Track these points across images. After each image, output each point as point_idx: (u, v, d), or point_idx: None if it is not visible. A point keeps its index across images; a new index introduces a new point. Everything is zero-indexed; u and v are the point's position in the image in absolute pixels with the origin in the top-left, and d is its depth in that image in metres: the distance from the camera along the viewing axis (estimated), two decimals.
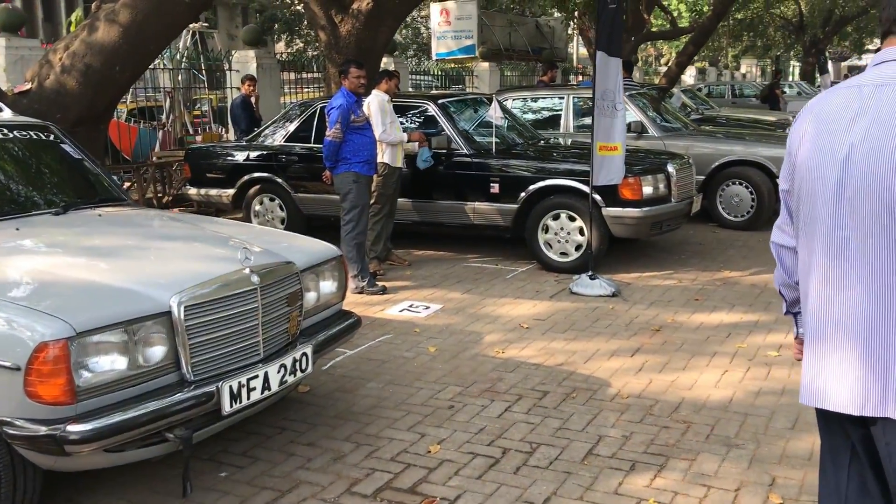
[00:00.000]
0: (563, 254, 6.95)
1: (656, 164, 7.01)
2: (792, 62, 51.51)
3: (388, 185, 7.02)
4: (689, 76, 32.48)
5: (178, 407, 2.93)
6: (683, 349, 4.97)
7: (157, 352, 2.96)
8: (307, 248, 3.90)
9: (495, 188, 7.12)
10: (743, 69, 42.46)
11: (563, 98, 9.51)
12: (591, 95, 9.69)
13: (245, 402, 3.18)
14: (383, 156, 6.93)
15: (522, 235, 7.14)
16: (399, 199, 7.33)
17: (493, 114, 7.19)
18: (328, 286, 3.86)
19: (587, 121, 9.36)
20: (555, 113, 9.61)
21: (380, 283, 6.53)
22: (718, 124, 11.40)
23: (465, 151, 7.27)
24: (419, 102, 7.77)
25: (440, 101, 7.64)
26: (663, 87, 12.26)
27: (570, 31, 25.06)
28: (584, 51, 25.08)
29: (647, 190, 6.75)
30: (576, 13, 20.36)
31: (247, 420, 3.66)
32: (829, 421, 1.98)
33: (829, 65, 27.99)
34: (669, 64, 22.10)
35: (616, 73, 6.44)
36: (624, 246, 7.46)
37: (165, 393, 2.95)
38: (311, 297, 3.72)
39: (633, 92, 9.37)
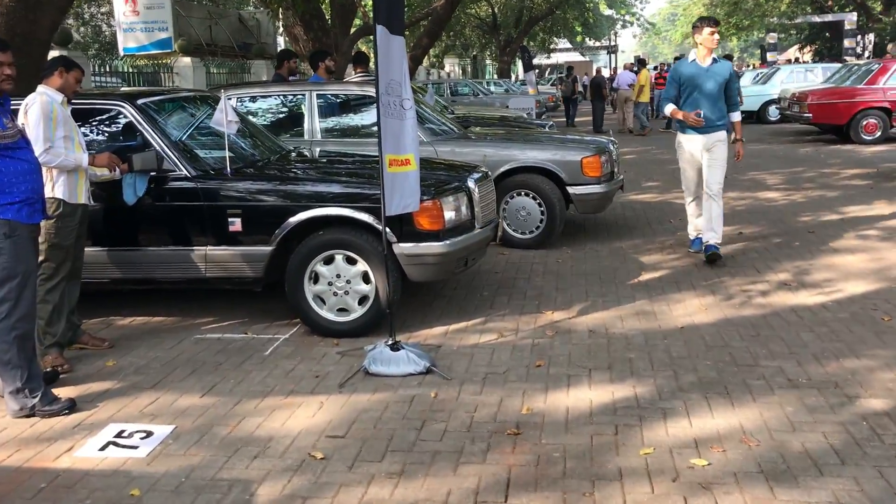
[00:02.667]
0: (343, 310, 4.98)
1: (454, 181, 5.27)
2: (488, 61, 53.64)
3: (66, 233, 4.56)
4: None
5: None
6: (573, 472, 3.25)
7: None
8: None
9: (236, 224, 4.95)
10: (447, 68, 43.04)
11: (302, 95, 7.47)
12: (334, 91, 7.85)
13: None
14: (54, 189, 4.47)
15: (279, 283, 5.07)
16: (86, 250, 4.90)
17: (223, 118, 5.01)
18: None
19: (335, 122, 7.48)
20: (293, 114, 7.56)
21: (63, 396, 4.10)
22: (475, 123, 10.02)
23: (186, 173, 5.01)
24: (108, 104, 5.31)
25: (140, 102, 5.27)
26: None
27: (277, 25, 22.83)
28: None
29: (449, 215, 4.99)
30: (280, 9, 18.22)
31: None
32: None
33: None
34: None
35: (401, 57, 4.58)
36: (408, 287, 5.65)
37: None
38: None
39: None
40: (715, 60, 6.51)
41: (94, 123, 5.31)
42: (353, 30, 17.43)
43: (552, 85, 41.60)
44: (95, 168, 4.70)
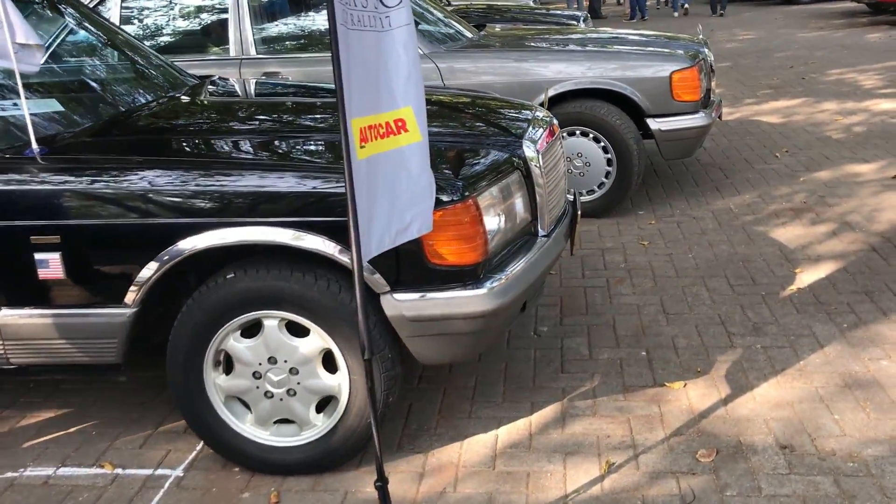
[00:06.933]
0: (287, 424, 2.49)
1: (497, 148, 2.67)
2: None
3: None
4: None
5: None
6: None
7: None
8: None
9: (50, 264, 2.37)
10: None
11: None
12: None
13: None
14: None
15: (156, 362, 2.56)
16: None
17: (3, 39, 2.36)
18: None
19: (281, 29, 4.82)
20: (208, 18, 4.84)
21: None
22: (481, 19, 7.21)
23: None
24: None
25: None
26: None
27: None
28: None
29: (494, 225, 2.43)
30: None
31: None
32: None
33: None
34: None
35: None
36: None
37: None
38: None
39: None
40: None
41: None
42: None
43: None
44: None
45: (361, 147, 1.89)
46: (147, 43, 4.71)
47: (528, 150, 2.68)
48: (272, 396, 2.43)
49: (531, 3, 11.55)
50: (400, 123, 1.97)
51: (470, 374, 3.05)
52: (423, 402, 2.87)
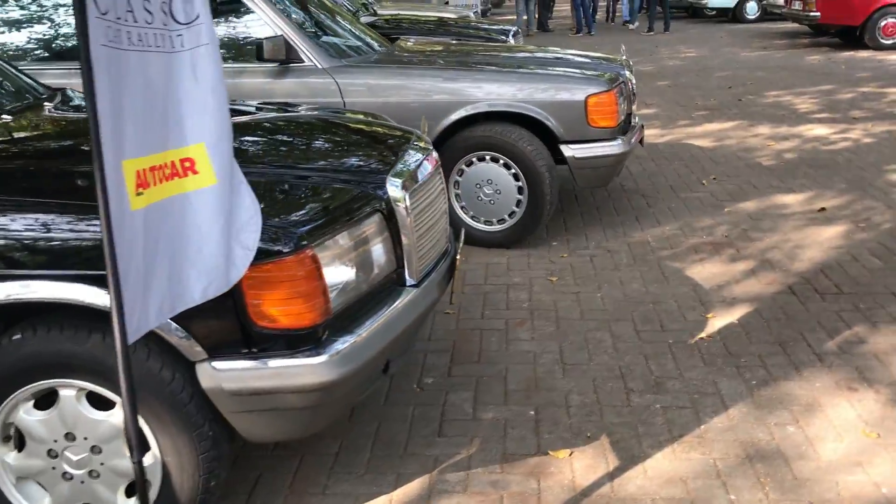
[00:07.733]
0: None
1: (350, 185, 2.32)
2: None
3: None
4: None
5: None
6: None
7: None
8: None
9: None
10: None
11: None
12: None
13: None
14: None
15: None
16: None
17: None
18: None
19: None
20: (43, 25, 4.42)
21: None
22: (409, 31, 6.86)
23: None
24: None
25: None
26: None
27: None
28: None
29: (337, 277, 2.09)
30: None
31: None
32: None
33: None
34: None
35: None
36: None
37: None
38: None
39: None
40: None
41: None
42: None
43: None
44: None
45: (138, 194, 1.53)
46: (10, 47, 4.28)
47: (393, 189, 2.34)
48: (71, 478, 2.05)
49: (471, 16, 11.30)
50: (188, 164, 1.62)
51: (336, 437, 2.69)
52: (274, 472, 2.51)
